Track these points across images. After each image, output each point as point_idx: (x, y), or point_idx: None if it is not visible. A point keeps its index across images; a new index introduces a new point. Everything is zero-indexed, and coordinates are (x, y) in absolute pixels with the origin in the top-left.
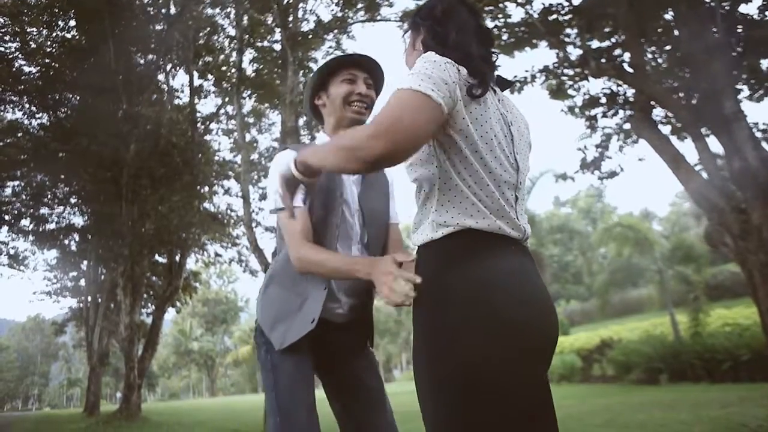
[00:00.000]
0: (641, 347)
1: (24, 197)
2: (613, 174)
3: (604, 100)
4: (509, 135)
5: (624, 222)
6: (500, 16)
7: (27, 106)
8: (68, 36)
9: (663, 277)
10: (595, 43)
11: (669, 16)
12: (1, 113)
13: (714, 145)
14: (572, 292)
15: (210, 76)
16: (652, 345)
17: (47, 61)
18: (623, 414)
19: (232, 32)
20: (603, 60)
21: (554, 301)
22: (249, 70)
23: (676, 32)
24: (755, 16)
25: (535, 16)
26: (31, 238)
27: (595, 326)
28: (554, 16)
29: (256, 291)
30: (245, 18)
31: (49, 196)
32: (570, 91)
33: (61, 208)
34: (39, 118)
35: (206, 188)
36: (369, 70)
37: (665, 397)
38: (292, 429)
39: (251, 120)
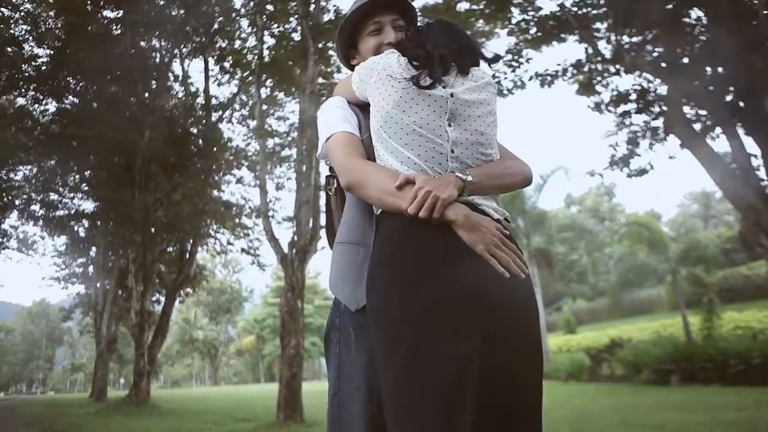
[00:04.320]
0: (652, 348)
1: (34, 183)
2: (642, 171)
3: (633, 96)
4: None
5: (639, 221)
6: (530, 9)
7: (35, 93)
8: (81, 20)
9: (675, 278)
10: (625, 38)
11: (700, 13)
12: (12, 98)
13: (749, 144)
14: (576, 291)
15: (226, 64)
16: (662, 346)
17: (58, 44)
18: (637, 414)
19: (250, 19)
20: (633, 54)
21: (559, 299)
22: (266, 56)
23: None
24: None
25: (566, 8)
26: (40, 223)
27: (603, 325)
28: (586, 10)
29: (262, 282)
30: (265, 6)
31: (59, 182)
32: (598, 88)
33: (72, 194)
34: (47, 103)
35: (219, 176)
36: (395, 8)
37: (677, 398)
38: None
39: (265, 107)
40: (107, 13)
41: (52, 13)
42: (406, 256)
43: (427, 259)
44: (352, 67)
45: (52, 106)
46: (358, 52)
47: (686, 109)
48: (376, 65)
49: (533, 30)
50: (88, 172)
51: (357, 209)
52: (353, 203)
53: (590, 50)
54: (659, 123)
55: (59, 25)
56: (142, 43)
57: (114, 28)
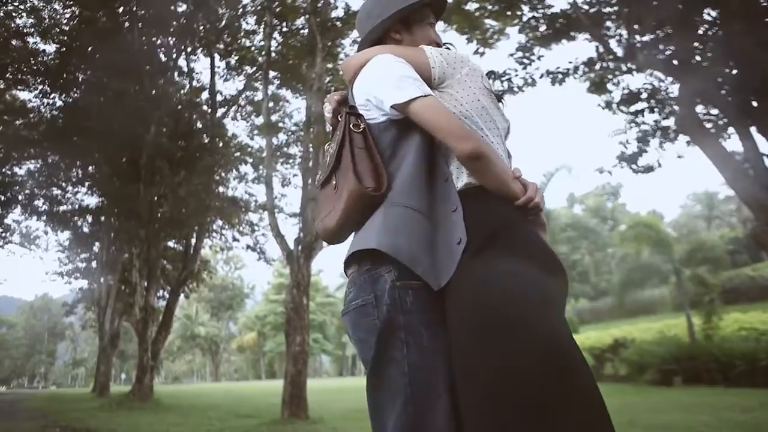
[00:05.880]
0: (656, 348)
1: (38, 177)
2: (649, 168)
3: (645, 95)
4: None
5: (643, 221)
6: (540, 6)
7: (43, 87)
8: (87, 14)
9: (680, 279)
10: (636, 37)
11: (714, 12)
12: (16, 92)
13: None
14: (578, 290)
15: (232, 60)
16: (666, 346)
17: (64, 38)
18: (642, 415)
19: (258, 16)
20: (645, 53)
21: None
22: (273, 51)
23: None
24: None
25: (577, 6)
26: (43, 218)
27: (606, 325)
28: (597, 8)
29: (263, 279)
30: (273, 4)
31: (63, 177)
32: (609, 86)
33: (75, 189)
34: (54, 97)
35: (225, 172)
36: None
37: (681, 399)
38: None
39: (271, 103)
40: (113, 6)
41: (58, 7)
42: (520, 241)
43: (532, 249)
44: (380, 40)
45: (59, 101)
46: (408, 31)
47: (698, 108)
48: (467, 61)
49: (543, 28)
50: (92, 167)
51: (420, 175)
52: (417, 167)
53: (601, 48)
54: (670, 122)
55: (66, 20)
56: (149, 39)
57: (122, 20)
